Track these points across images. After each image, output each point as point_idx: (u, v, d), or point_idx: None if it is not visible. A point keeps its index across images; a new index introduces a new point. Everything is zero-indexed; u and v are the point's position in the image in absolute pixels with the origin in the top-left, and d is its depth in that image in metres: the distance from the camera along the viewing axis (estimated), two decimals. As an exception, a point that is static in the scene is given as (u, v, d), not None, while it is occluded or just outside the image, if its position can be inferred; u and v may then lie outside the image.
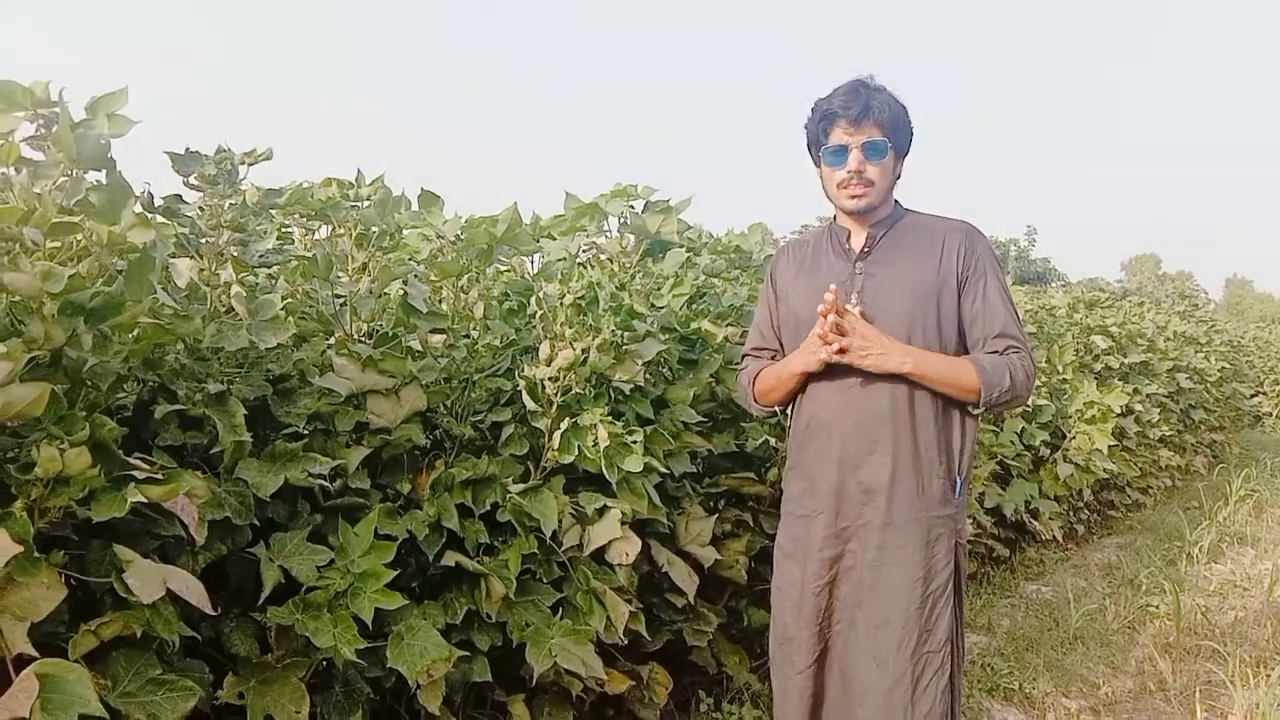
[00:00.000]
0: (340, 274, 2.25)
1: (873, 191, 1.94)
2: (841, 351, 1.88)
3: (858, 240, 2.01)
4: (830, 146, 1.94)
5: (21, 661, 1.25)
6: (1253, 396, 12.26)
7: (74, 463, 1.35)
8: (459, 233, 2.78)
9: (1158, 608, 4.12)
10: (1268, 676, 3.20)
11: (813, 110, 1.97)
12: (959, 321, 1.95)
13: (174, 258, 2.00)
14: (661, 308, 2.76)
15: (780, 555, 2.09)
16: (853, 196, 1.95)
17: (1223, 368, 8.79)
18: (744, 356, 2.22)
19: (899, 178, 2.02)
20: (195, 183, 2.08)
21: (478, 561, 1.98)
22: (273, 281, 2.38)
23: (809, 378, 2.00)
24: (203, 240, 2.08)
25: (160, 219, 2.08)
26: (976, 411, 1.93)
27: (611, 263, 3.07)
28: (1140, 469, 6.22)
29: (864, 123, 1.90)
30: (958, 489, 1.97)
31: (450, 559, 1.95)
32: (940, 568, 1.93)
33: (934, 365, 1.89)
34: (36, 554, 1.32)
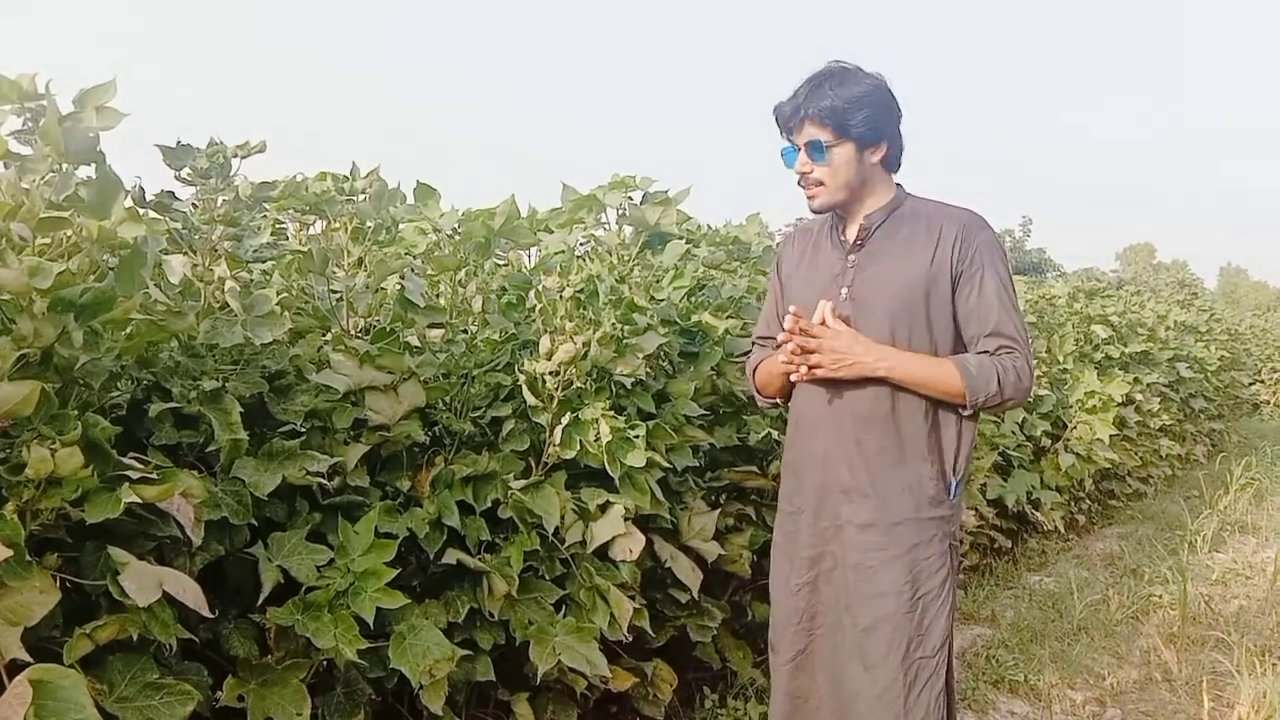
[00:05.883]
0: (336, 269, 2.22)
1: (824, 191, 1.88)
2: (815, 368, 1.84)
3: (852, 230, 1.94)
4: (783, 149, 1.92)
5: (15, 667, 1.22)
6: (1251, 385, 12.27)
7: (66, 463, 1.32)
8: (456, 226, 2.75)
9: (1161, 597, 4.11)
10: (1274, 665, 3.20)
11: None
12: (954, 316, 1.87)
13: (166, 253, 1.97)
14: (661, 300, 2.73)
15: (775, 550, 2.07)
16: (809, 197, 1.91)
17: (1222, 356, 8.78)
18: (753, 343, 2.18)
19: (883, 162, 1.90)
20: (187, 176, 2.05)
21: (479, 559, 1.96)
22: (267, 277, 2.35)
23: None
24: (196, 235, 2.05)
25: (152, 214, 2.05)
26: (965, 414, 1.87)
27: (610, 255, 3.04)
28: (1141, 458, 6.21)
29: (799, 123, 1.85)
30: (953, 489, 1.89)
31: (451, 557, 1.92)
32: (932, 571, 1.85)
33: (913, 369, 1.82)
34: (29, 557, 1.29)
